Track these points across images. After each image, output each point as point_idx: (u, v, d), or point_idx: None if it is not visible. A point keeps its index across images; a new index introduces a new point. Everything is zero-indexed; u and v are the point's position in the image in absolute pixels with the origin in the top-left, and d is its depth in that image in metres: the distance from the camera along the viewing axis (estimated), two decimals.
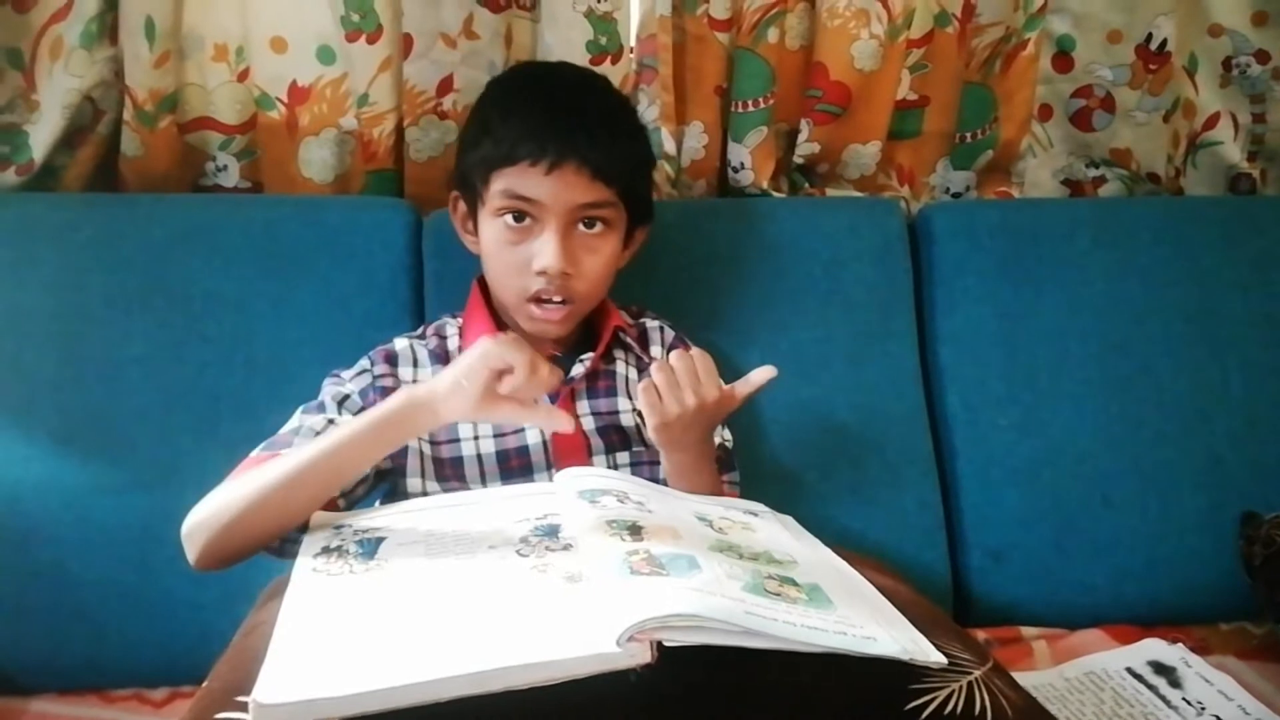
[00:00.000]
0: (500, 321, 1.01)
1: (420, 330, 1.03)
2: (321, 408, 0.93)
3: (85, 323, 1.07)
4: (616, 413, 1.00)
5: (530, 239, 0.94)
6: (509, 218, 0.94)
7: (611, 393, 1.01)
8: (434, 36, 1.18)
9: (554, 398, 0.98)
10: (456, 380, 0.79)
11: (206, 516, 0.82)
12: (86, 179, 1.19)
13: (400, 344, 1.00)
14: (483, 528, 0.74)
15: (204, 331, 1.08)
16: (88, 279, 1.08)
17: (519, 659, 0.55)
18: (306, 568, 0.70)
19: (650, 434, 0.90)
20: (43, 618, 1.02)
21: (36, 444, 1.04)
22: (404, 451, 0.94)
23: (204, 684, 0.66)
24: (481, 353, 0.79)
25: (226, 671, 0.65)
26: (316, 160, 1.21)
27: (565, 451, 0.96)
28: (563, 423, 0.80)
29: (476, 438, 0.96)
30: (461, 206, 1.02)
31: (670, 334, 1.08)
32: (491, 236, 0.96)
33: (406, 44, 1.18)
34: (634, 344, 1.04)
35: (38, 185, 1.15)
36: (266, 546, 0.84)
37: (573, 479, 0.80)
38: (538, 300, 0.95)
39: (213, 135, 1.20)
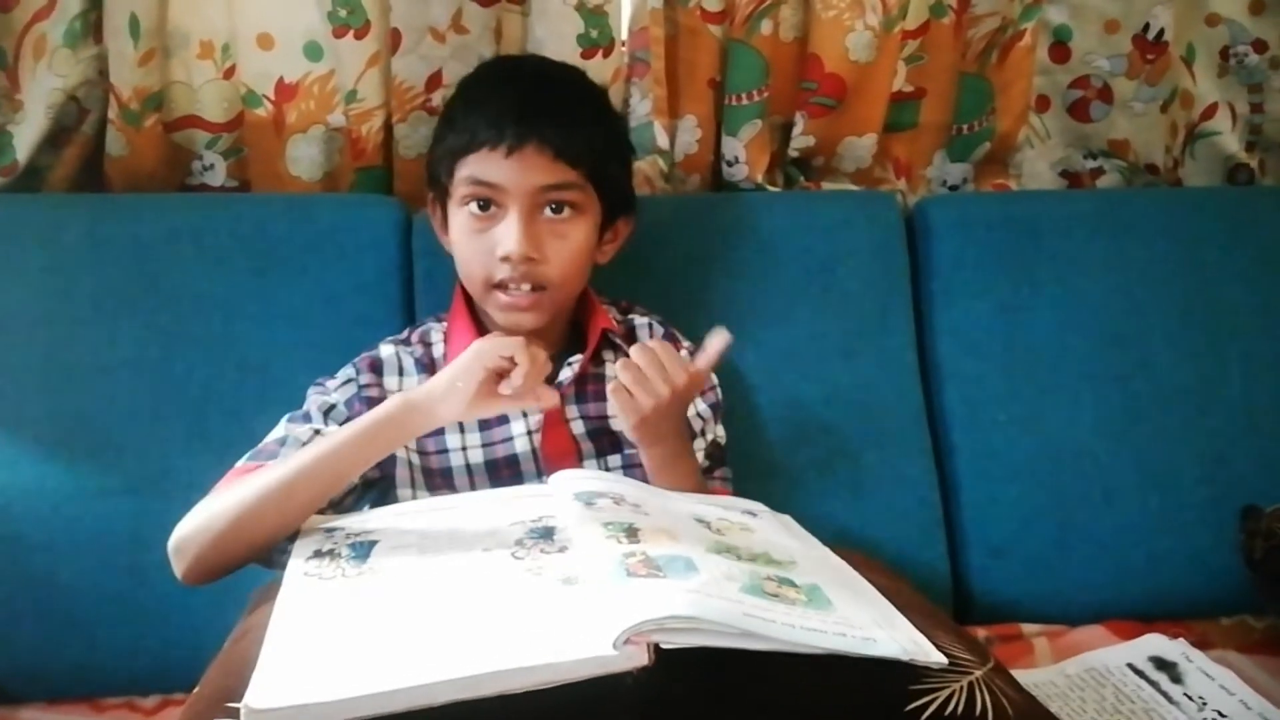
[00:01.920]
0: (483, 326, 0.99)
1: (405, 334, 1.02)
2: (307, 417, 0.92)
3: (72, 325, 1.06)
4: (606, 416, 0.98)
5: (495, 225, 0.93)
6: (474, 205, 0.93)
7: (601, 396, 0.99)
8: (423, 31, 1.16)
9: None
10: (452, 382, 0.81)
11: (195, 529, 0.82)
12: (71, 179, 1.17)
13: (386, 351, 0.99)
14: (477, 530, 0.73)
15: (192, 332, 1.07)
16: (74, 281, 1.07)
17: (514, 663, 0.55)
18: (298, 571, 0.69)
19: (629, 433, 0.90)
20: (31, 625, 1.00)
21: (23, 448, 1.03)
22: (392, 460, 0.93)
23: (195, 690, 0.65)
24: (476, 352, 0.81)
25: (218, 677, 0.65)
26: (304, 158, 1.19)
27: (555, 457, 0.95)
28: (549, 399, 0.83)
29: (465, 448, 0.95)
30: (438, 208, 1.01)
31: (660, 330, 1.06)
32: (458, 226, 0.96)
33: (395, 39, 1.16)
34: (622, 343, 1.01)
35: (22, 186, 1.13)
36: (257, 557, 0.83)
37: (568, 481, 0.79)
38: (503, 287, 0.93)
39: (199, 134, 1.19)
